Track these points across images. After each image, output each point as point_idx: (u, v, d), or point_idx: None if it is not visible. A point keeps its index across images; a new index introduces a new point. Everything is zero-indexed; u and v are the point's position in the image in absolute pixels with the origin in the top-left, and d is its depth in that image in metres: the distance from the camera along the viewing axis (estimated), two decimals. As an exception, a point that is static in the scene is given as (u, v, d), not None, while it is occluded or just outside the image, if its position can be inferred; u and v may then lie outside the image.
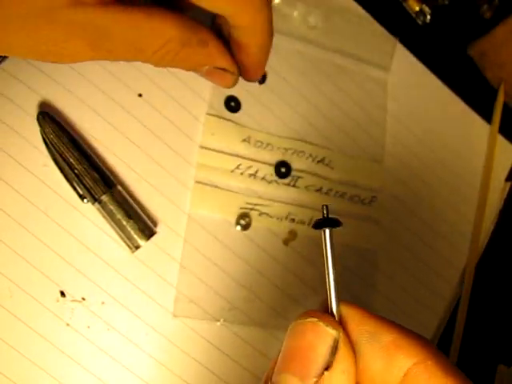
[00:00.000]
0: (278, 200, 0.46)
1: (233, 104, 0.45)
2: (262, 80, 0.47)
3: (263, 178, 0.45)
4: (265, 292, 0.44)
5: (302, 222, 0.46)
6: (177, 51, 0.29)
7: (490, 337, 0.52)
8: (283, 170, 0.46)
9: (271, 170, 0.46)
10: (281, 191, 0.46)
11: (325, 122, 0.49)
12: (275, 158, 0.46)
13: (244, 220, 0.44)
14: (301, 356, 0.20)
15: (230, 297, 0.43)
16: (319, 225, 0.22)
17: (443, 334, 0.50)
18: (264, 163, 0.46)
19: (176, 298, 0.41)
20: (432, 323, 0.49)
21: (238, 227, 0.44)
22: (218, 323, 0.42)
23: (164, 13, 0.28)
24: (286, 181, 0.46)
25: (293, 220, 0.46)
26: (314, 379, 0.19)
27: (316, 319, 0.20)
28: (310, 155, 0.47)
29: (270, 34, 0.32)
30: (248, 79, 0.36)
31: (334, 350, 0.20)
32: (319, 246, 0.45)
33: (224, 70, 0.32)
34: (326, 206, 0.22)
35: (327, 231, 0.21)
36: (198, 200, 0.43)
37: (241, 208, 0.44)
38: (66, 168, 0.39)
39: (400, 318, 0.48)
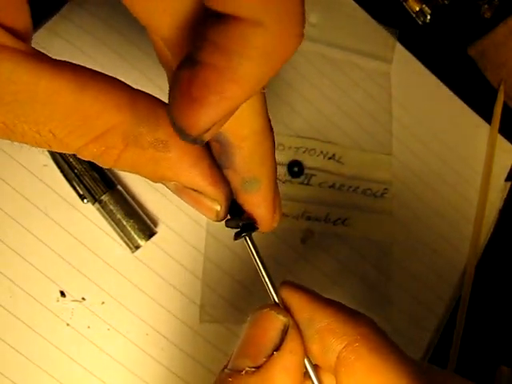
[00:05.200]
0: (293, 199, 0.46)
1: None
2: (298, 171, 0.44)
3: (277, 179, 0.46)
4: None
5: (318, 219, 0.47)
6: (118, 152, 0.19)
7: (490, 337, 0.52)
8: (296, 169, 0.46)
9: (284, 170, 0.46)
10: (295, 190, 0.46)
11: (332, 119, 0.49)
12: (287, 157, 0.47)
13: None
14: (254, 341, 0.22)
15: (251, 303, 0.43)
16: (237, 235, 0.23)
17: (443, 334, 0.50)
18: (277, 164, 0.46)
19: (201, 315, 0.42)
20: (432, 322, 0.49)
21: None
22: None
23: (109, 82, 0.18)
24: (300, 179, 0.47)
25: (308, 218, 0.46)
26: (264, 359, 0.21)
27: (268, 309, 0.22)
28: (321, 152, 0.48)
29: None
30: (179, 121, 0.18)
31: (284, 333, 0.22)
32: (337, 240, 0.45)
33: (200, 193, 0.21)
34: (239, 217, 0.23)
35: (247, 238, 0.23)
36: None
37: None
38: (66, 168, 0.39)
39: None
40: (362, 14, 0.51)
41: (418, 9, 0.54)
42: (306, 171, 0.47)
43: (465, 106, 0.54)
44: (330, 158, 0.48)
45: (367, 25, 0.51)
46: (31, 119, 0.17)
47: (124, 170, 0.20)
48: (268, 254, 0.44)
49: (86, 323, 0.39)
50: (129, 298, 0.40)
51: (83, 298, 0.39)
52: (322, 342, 0.22)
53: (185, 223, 0.43)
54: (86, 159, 0.19)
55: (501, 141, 0.55)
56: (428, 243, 0.51)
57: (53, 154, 0.39)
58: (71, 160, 0.38)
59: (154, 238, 0.40)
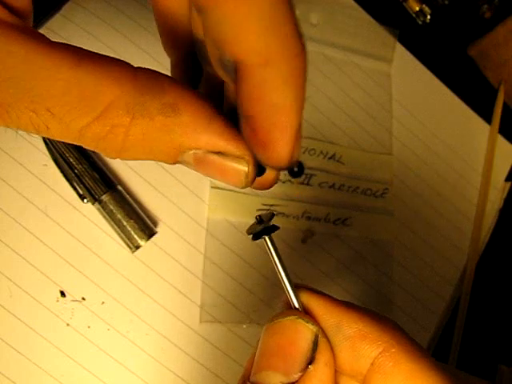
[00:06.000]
0: (293, 199, 0.46)
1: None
2: (298, 171, 0.42)
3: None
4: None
5: (318, 219, 0.47)
6: (124, 129, 0.17)
7: (490, 337, 0.52)
8: (296, 169, 0.47)
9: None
10: (295, 190, 0.46)
11: (332, 119, 0.49)
12: None
13: None
14: (282, 353, 0.20)
15: (251, 303, 0.43)
16: (257, 235, 0.22)
17: (443, 334, 0.50)
18: None
19: (201, 315, 0.42)
20: (432, 321, 0.49)
21: None
22: (244, 326, 0.43)
23: (107, 58, 0.18)
24: (300, 179, 0.47)
25: (309, 218, 0.46)
26: (299, 373, 0.19)
27: (295, 316, 0.20)
28: (321, 152, 0.48)
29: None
30: (270, 164, 0.19)
31: (315, 344, 0.20)
32: (337, 240, 0.45)
33: (222, 154, 0.19)
34: (260, 216, 0.22)
35: (267, 238, 0.22)
36: (216, 205, 0.43)
37: (258, 210, 0.45)
38: (66, 168, 0.39)
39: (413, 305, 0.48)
40: (362, 14, 0.51)
41: (417, 9, 0.54)
42: (306, 171, 0.47)
43: (465, 106, 0.54)
44: (330, 158, 0.48)
45: (367, 25, 0.51)
46: (27, 97, 0.16)
47: (135, 157, 0.18)
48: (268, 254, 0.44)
49: (86, 323, 0.39)
50: (129, 298, 0.40)
51: (83, 298, 0.39)
52: (352, 348, 0.20)
53: (185, 223, 0.42)
54: (90, 148, 0.18)
55: (501, 141, 0.55)
56: (428, 243, 0.51)
57: (53, 154, 0.39)
58: (71, 160, 0.38)
59: (154, 238, 0.40)
